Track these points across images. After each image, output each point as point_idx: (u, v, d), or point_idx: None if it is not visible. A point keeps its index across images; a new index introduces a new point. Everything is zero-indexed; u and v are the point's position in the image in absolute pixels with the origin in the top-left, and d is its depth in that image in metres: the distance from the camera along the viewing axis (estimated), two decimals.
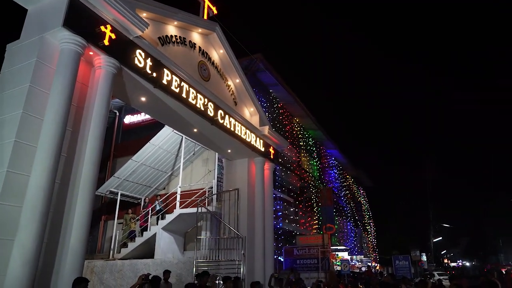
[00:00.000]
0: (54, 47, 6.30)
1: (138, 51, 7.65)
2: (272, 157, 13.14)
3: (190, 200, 12.80)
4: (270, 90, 18.89)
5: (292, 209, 18.12)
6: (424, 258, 39.56)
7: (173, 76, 8.59)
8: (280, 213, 16.12)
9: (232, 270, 10.12)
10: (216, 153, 13.21)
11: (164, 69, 8.35)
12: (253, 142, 11.84)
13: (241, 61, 13.05)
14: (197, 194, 12.95)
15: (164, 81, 8.29)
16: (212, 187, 13.14)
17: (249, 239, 11.28)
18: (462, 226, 50.72)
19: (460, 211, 52.53)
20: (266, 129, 12.59)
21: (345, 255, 24.80)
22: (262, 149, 12.42)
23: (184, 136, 13.24)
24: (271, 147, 13.20)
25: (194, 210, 11.84)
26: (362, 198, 37.22)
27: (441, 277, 23.44)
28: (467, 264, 60.68)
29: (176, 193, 13.14)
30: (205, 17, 11.06)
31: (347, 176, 32.22)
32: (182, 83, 8.90)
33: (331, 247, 17.30)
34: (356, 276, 15.87)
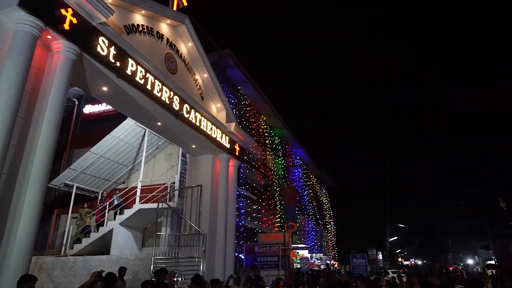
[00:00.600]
0: (7, 28, 5.87)
1: (101, 38, 7.29)
2: (237, 154, 13.07)
3: (151, 195, 12.46)
4: (238, 87, 18.79)
5: (255, 207, 18.16)
6: (380, 256, 41.14)
7: (138, 66, 8.28)
8: (243, 211, 16.10)
9: (192, 267, 9.97)
10: (180, 148, 12.95)
11: (129, 59, 8.03)
12: (218, 138, 11.70)
13: (210, 56, 12.83)
14: (159, 189, 12.63)
15: (128, 71, 7.97)
16: (174, 183, 12.87)
17: (210, 236, 11.16)
18: (416, 226, 53.25)
19: (415, 213, 55.16)
20: (232, 126, 12.49)
21: (305, 253, 25.24)
22: (228, 146, 12.32)
23: (147, 129, 12.86)
24: (237, 144, 13.12)
25: (154, 205, 11.55)
26: (324, 197, 38.05)
27: (395, 275, 24.42)
28: (419, 262, 63.84)
29: (137, 187, 12.75)
30: (175, 8, 10.77)
31: (311, 176, 32.79)
32: (148, 75, 8.61)
33: (292, 245, 17.53)
34: (314, 274, 16.20)
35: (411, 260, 67.57)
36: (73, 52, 6.62)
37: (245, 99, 19.45)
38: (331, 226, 38.53)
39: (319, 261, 27.88)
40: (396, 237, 47.99)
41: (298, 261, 21.15)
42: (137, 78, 8.23)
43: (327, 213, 38.10)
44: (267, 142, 22.06)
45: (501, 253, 32.05)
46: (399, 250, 64.18)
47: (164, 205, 11.45)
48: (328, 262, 28.54)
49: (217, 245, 11.44)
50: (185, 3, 11.27)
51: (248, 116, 19.45)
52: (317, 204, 33.14)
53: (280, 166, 24.17)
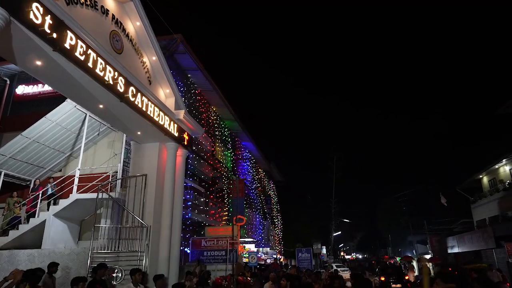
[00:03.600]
0: None
1: (35, 4, 6.42)
2: (186, 143, 12.53)
3: (90, 184, 11.55)
4: (189, 75, 18.13)
5: (202, 199, 17.69)
6: (324, 251, 42.55)
7: (78, 41, 7.47)
8: (190, 203, 15.58)
9: (133, 262, 9.34)
10: (124, 135, 12.15)
11: (68, 31, 7.21)
12: (166, 126, 11.09)
13: (160, 40, 12.10)
14: (99, 179, 11.75)
15: (67, 45, 7.15)
16: (117, 172, 12.04)
17: (155, 229, 10.55)
18: (359, 222, 55.85)
19: (358, 208, 57.89)
20: (181, 113, 11.93)
21: (252, 247, 25.24)
22: (176, 134, 11.74)
23: (88, 114, 11.89)
24: (186, 133, 12.58)
25: (94, 195, 10.68)
26: (272, 192, 38.42)
27: (338, 269, 25.31)
28: (360, 256, 67.16)
29: (74, 176, 11.75)
30: None
31: (260, 170, 32.88)
32: (89, 51, 7.82)
33: (240, 239, 17.34)
34: (263, 269, 16.16)
35: (352, 254, 70.95)
36: (0, 17, 5.76)
37: (195, 88, 18.84)
38: (278, 221, 39.05)
39: (265, 255, 28.08)
40: (340, 232, 49.93)
41: (245, 255, 21.06)
42: (77, 54, 7.43)
43: (275, 207, 38.53)
44: (216, 133, 21.63)
45: (436, 248, 34.60)
46: (342, 244, 67.05)
47: (105, 195, 10.63)
48: (275, 256, 28.86)
49: (162, 238, 10.86)
50: None
51: (198, 105, 18.88)
52: (265, 198, 33.36)
53: (229, 158, 23.87)
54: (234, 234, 13.79)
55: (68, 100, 11.54)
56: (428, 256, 35.19)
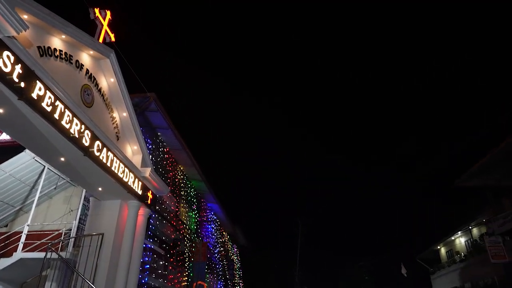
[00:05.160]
0: None
1: (6, 52, 6.41)
2: (149, 202, 12.09)
3: (39, 242, 10.64)
4: (158, 133, 18.08)
5: (162, 263, 16.63)
6: None
7: (47, 91, 7.39)
8: (148, 266, 14.56)
9: None
10: (84, 190, 11.58)
11: (38, 82, 7.14)
12: (130, 183, 10.73)
13: (132, 97, 12.19)
14: (50, 236, 10.89)
15: (34, 95, 7.04)
16: (70, 229, 11.25)
17: None
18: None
19: (322, 274, 56.40)
20: (147, 171, 11.66)
21: None
22: (140, 192, 11.35)
23: (47, 166, 11.35)
24: (150, 192, 12.20)
25: (41, 255, 9.78)
26: (235, 256, 36.95)
27: None
28: None
29: (22, 232, 10.82)
30: (101, 40, 10.23)
31: (224, 233, 31.84)
32: (57, 103, 7.72)
33: None
34: None
35: None
36: None
37: (164, 146, 18.70)
38: (239, 287, 37.08)
39: None
40: None
41: None
42: (44, 104, 7.30)
43: (237, 273, 36.79)
44: (182, 193, 21.11)
45: None
46: None
47: (54, 255, 9.77)
48: None
49: None
50: (113, 39, 10.81)
51: (165, 164, 18.59)
52: (228, 263, 31.91)
53: (193, 220, 23.08)
54: None
55: (27, 151, 11.03)
56: None
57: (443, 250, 30.95)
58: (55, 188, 12.63)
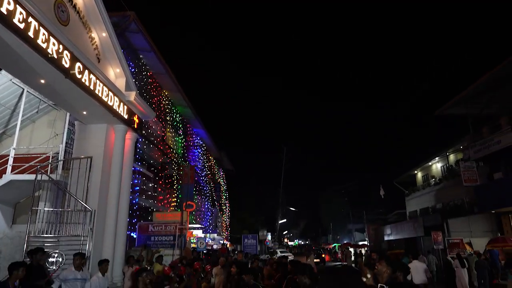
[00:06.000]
0: None
1: None
2: (136, 126, 12.06)
3: (27, 165, 10.72)
4: (141, 56, 17.36)
5: (151, 185, 17.21)
6: (269, 237, 43.63)
7: (17, 6, 6.81)
8: (138, 188, 15.08)
9: (76, 247, 8.88)
10: (67, 114, 11.38)
11: None
12: (115, 107, 10.56)
13: (110, 16, 11.33)
14: (38, 159, 10.95)
15: (3, 10, 6.49)
16: (58, 153, 11.28)
17: (100, 213, 10.09)
18: (303, 210, 57.89)
19: (303, 197, 59.91)
20: (132, 95, 11.42)
21: (199, 233, 25.15)
22: (126, 117, 11.24)
23: (26, 89, 10.97)
24: (136, 116, 12.09)
25: (31, 177, 9.94)
26: (222, 179, 38.42)
27: (283, 254, 26.12)
28: (302, 243, 69.82)
29: (8, 155, 10.83)
30: None
31: (210, 157, 32.64)
32: (30, 19, 7.16)
33: (189, 225, 17.16)
34: (211, 253, 16.21)
35: (295, 240, 73.48)
36: None
37: (147, 70, 18.12)
38: (226, 208, 39.24)
39: (212, 241, 28.17)
40: (285, 220, 51.43)
41: (193, 240, 20.92)
42: (16, 21, 6.77)
43: (224, 195, 38.62)
44: (168, 118, 21.06)
45: (372, 236, 37.21)
46: (286, 231, 69.05)
47: (44, 177, 9.94)
48: (222, 242, 29.05)
49: (107, 223, 10.43)
50: None
51: (149, 88, 18.20)
52: (215, 186, 33.28)
53: (180, 144, 23.41)
54: (184, 220, 13.63)
55: (3, 72, 10.54)
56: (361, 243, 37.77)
57: (419, 175, 32.77)
58: (37, 112, 12.38)
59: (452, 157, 26.67)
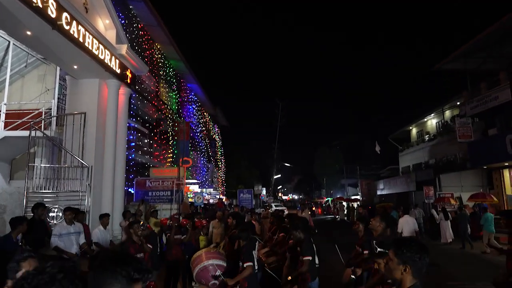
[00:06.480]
0: None
1: None
2: (129, 81, 11.74)
3: (20, 121, 10.53)
4: (130, 6, 16.51)
5: (146, 141, 17.15)
6: (264, 192, 44.62)
7: None
8: (133, 144, 15.02)
9: (74, 202, 8.97)
10: (58, 68, 11.00)
11: None
12: (107, 61, 10.19)
13: None
14: (30, 115, 10.73)
15: None
16: (50, 109, 11.05)
17: (97, 169, 10.10)
18: (297, 166, 58.77)
19: (298, 153, 60.57)
20: (123, 48, 11.00)
21: (196, 188, 25.57)
22: (118, 71, 10.89)
23: (12, 41, 10.48)
24: (129, 70, 11.73)
25: (25, 133, 9.79)
26: (217, 135, 38.47)
27: (277, 208, 26.86)
28: (295, 197, 71.70)
29: (0, 111, 10.59)
30: None
31: (205, 113, 32.39)
32: None
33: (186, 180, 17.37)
34: (208, 208, 16.59)
35: (288, 195, 75.41)
36: None
37: (137, 22, 17.33)
38: (221, 163, 39.66)
39: (209, 195, 28.73)
40: (279, 175, 52.35)
41: (190, 195, 21.31)
42: None
43: (219, 150, 38.87)
44: (161, 73, 20.53)
45: (365, 190, 38.13)
46: (280, 186, 70.68)
47: (38, 134, 9.80)
48: (218, 196, 29.64)
49: (105, 178, 10.49)
50: None
51: (141, 41, 17.52)
52: (210, 142, 33.36)
53: (174, 100, 23.06)
54: (181, 175, 13.75)
55: None
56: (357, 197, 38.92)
57: (414, 131, 33.00)
58: (25, 66, 11.95)
59: (448, 113, 26.73)
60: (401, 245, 2.22)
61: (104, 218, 7.81)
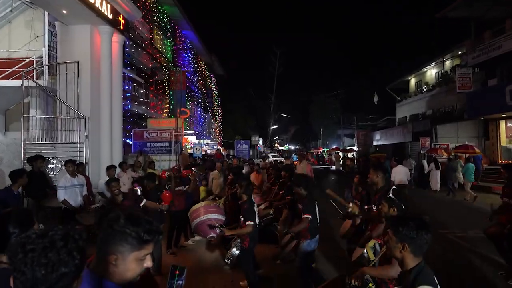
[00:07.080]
0: None
1: None
2: (122, 28, 11.21)
3: (11, 70, 10.16)
4: None
5: (142, 91, 16.80)
6: (261, 142, 44.92)
7: None
8: (129, 94, 14.70)
9: (72, 153, 8.95)
10: (46, 13, 10.41)
11: None
12: (98, 5, 9.62)
13: None
14: (21, 64, 10.34)
15: None
16: (41, 57, 10.62)
17: (94, 120, 9.95)
18: (293, 116, 58.47)
19: (295, 103, 59.92)
20: None
21: (193, 139, 25.60)
22: (110, 16, 10.35)
23: None
24: (121, 16, 11.15)
25: (17, 83, 9.51)
26: (213, 85, 37.78)
27: (274, 158, 27.19)
28: (292, 147, 72.43)
29: None
30: None
31: (201, 62, 31.48)
32: None
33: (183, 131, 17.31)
34: (206, 159, 16.69)
35: (285, 145, 76.07)
36: None
37: None
38: (218, 114, 39.41)
39: (206, 146, 28.86)
40: (276, 126, 52.37)
41: (188, 146, 21.38)
42: None
43: (216, 101, 38.42)
44: (154, 19, 19.60)
45: (361, 141, 38.43)
46: (277, 137, 71.02)
47: (31, 83, 9.50)
48: (215, 147, 29.82)
49: (102, 129, 10.38)
50: None
51: None
52: (206, 92, 32.83)
53: (169, 48, 22.27)
54: (178, 126, 13.65)
55: None
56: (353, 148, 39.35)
57: (413, 81, 32.54)
58: (11, 11, 11.29)
59: (448, 64, 26.22)
60: (398, 223, 2.18)
61: (111, 170, 7.94)
